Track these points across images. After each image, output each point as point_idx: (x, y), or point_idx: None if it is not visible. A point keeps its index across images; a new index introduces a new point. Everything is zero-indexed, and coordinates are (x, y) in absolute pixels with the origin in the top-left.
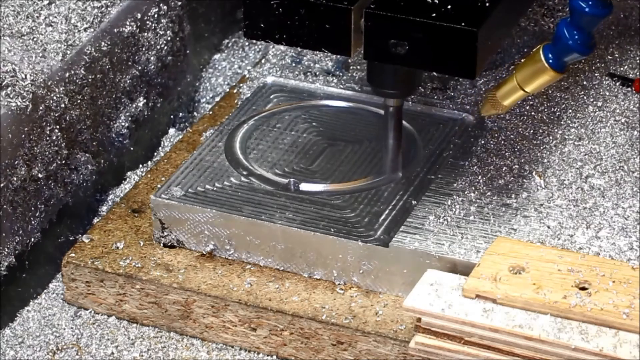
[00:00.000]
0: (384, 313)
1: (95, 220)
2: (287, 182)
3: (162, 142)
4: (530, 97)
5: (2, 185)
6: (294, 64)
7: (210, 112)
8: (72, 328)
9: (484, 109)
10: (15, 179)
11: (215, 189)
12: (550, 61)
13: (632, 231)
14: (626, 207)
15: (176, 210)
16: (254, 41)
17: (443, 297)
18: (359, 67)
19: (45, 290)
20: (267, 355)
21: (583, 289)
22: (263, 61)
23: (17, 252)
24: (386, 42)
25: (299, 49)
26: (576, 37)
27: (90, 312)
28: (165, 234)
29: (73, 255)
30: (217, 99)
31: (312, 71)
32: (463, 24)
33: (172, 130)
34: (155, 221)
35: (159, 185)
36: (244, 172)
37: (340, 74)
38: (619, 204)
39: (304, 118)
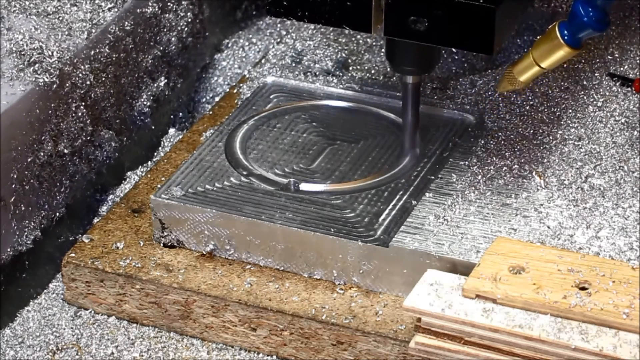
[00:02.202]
0: (384, 313)
1: (95, 220)
2: (287, 182)
3: (162, 142)
4: (530, 97)
5: (29, 160)
6: (294, 64)
7: (210, 112)
8: (72, 328)
9: (500, 85)
10: (42, 154)
11: (215, 189)
12: (566, 37)
13: (632, 231)
14: (626, 207)
15: (176, 210)
16: (277, 19)
17: (443, 297)
18: (358, 67)
19: (45, 290)
20: (267, 355)
21: (583, 289)
22: (263, 61)
23: (42, 226)
24: (406, 18)
25: (299, 47)
26: (591, 13)
27: (90, 312)
28: (165, 234)
29: (73, 255)
30: (217, 99)
31: (312, 71)
32: (481, 0)
33: (172, 130)
34: (155, 221)
35: (159, 185)
36: (244, 172)
37: (340, 74)
38: (619, 204)
39: (304, 118)
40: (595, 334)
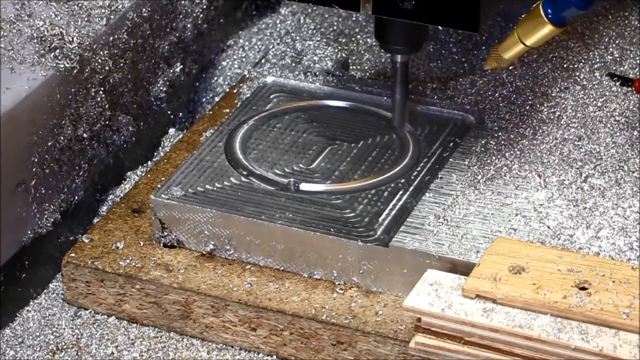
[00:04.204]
0: (384, 313)
1: (95, 220)
2: (287, 182)
3: (162, 142)
4: (530, 97)
5: (50, 144)
6: (294, 64)
7: (210, 112)
8: (72, 328)
9: (487, 63)
10: (62, 138)
11: (215, 189)
12: (550, 16)
13: (632, 231)
14: (626, 207)
15: (176, 210)
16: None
17: (443, 297)
18: (358, 67)
19: (45, 290)
20: (267, 355)
21: (583, 289)
22: (263, 61)
23: (62, 209)
24: None
25: (299, 47)
26: None
27: (90, 312)
28: (165, 234)
29: (73, 255)
30: (217, 99)
31: (312, 71)
32: None
33: (172, 130)
34: (155, 221)
35: (159, 185)
36: (244, 172)
37: (340, 74)
38: (619, 204)
39: (304, 118)
40: (595, 334)
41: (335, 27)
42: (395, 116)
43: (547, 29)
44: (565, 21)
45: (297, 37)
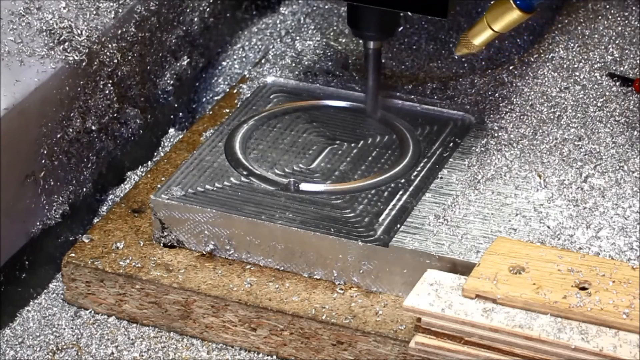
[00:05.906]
0: (384, 313)
1: (95, 220)
2: (287, 182)
3: (162, 142)
4: (530, 97)
5: (58, 136)
6: (294, 64)
7: (210, 112)
8: (72, 328)
9: (457, 49)
10: (70, 130)
11: (215, 189)
12: (518, 2)
13: (632, 231)
14: (626, 207)
15: (176, 210)
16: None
17: (443, 297)
18: (358, 67)
19: (45, 290)
20: (267, 355)
21: (583, 289)
22: (263, 61)
23: (70, 201)
24: None
25: (299, 47)
26: None
27: (90, 312)
28: (165, 234)
29: (73, 255)
30: (217, 99)
31: (312, 71)
32: None
33: (172, 130)
34: (155, 221)
35: (159, 185)
36: (244, 172)
37: (340, 74)
38: (619, 204)
39: (304, 118)
40: (595, 334)
41: (335, 27)
42: (368, 103)
43: (515, 15)
44: (533, 7)
45: (297, 37)
